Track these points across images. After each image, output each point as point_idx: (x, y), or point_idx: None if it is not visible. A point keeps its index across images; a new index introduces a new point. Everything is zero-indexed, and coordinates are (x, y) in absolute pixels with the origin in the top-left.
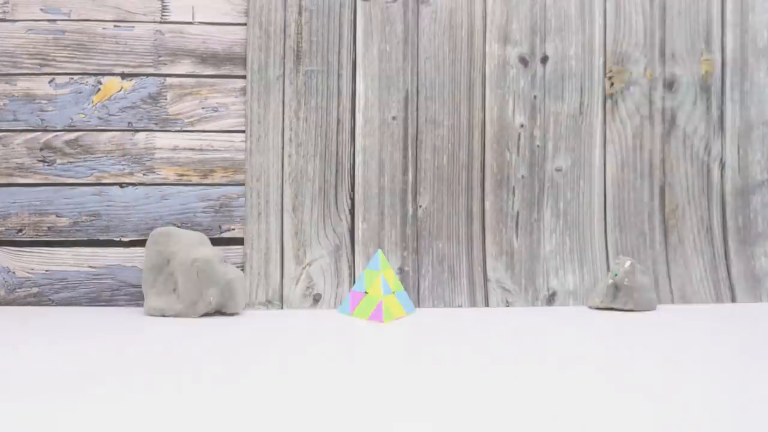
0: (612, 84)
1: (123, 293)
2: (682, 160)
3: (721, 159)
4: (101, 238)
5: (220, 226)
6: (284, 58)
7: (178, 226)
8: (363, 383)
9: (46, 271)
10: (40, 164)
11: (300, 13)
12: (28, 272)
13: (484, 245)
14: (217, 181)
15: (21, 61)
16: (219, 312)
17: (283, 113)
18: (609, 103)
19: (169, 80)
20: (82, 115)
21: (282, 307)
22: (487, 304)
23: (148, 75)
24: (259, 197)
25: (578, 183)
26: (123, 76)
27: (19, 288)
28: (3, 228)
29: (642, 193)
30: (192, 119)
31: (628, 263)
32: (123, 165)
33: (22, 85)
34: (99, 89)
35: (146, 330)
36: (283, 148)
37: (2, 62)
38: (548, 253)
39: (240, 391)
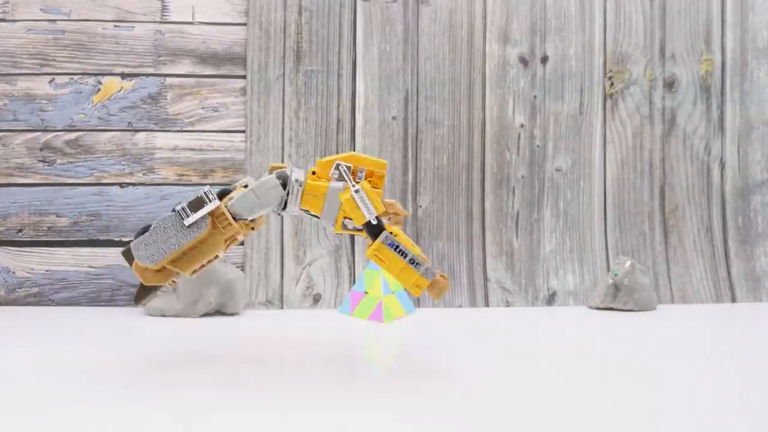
0: (612, 84)
1: (123, 293)
2: (682, 160)
3: (721, 159)
4: (101, 238)
5: None
6: (284, 58)
7: None
8: (363, 383)
9: (46, 271)
10: (40, 164)
11: (300, 13)
12: (28, 272)
13: (484, 245)
14: (217, 181)
15: (21, 61)
16: (219, 312)
17: (283, 113)
18: (609, 103)
19: (169, 80)
20: (82, 115)
21: (282, 307)
22: (487, 304)
23: (148, 75)
24: None
25: (578, 183)
26: (123, 76)
27: (19, 288)
28: (3, 228)
29: (642, 193)
30: (192, 119)
31: (628, 263)
32: (123, 165)
33: (22, 85)
34: (99, 89)
35: (146, 330)
36: (283, 148)
37: (2, 62)
38: (548, 253)
39: (239, 391)
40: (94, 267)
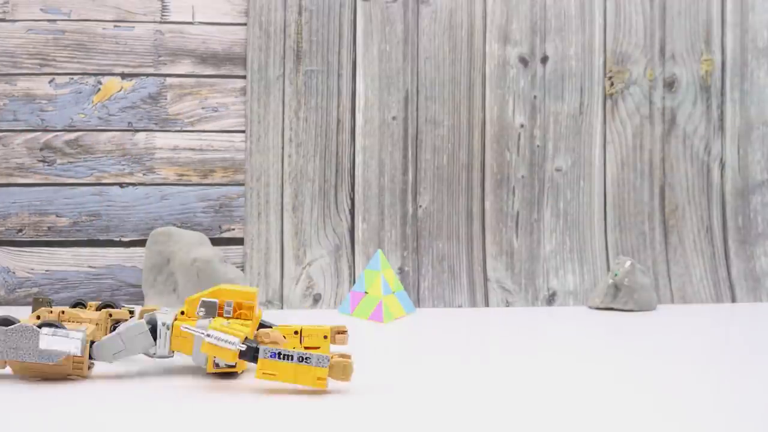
0: (612, 84)
1: (123, 293)
2: (682, 160)
3: (721, 159)
4: (101, 238)
5: (220, 226)
6: (284, 58)
7: (178, 226)
8: (363, 383)
9: (46, 271)
10: (40, 164)
11: (300, 13)
12: (28, 272)
13: (484, 245)
14: (217, 181)
15: (21, 61)
16: None
17: (283, 113)
18: (609, 103)
19: (169, 80)
20: (82, 115)
21: (282, 307)
22: (487, 304)
23: (148, 75)
24: (259, 197)
25: (578, 183)
26: (123, 76)
27: (19, 288)
28: (3, 228)
29: (642, 193)
30: (192, 119)
31: (628, 263)
32: (123, 165)
33: (22, 85)
34: (99, 89)
35: None
36: (283, 148)
37: (2, 62)
38: (548, 253)
39: (239, 391)
40: (94, 267)
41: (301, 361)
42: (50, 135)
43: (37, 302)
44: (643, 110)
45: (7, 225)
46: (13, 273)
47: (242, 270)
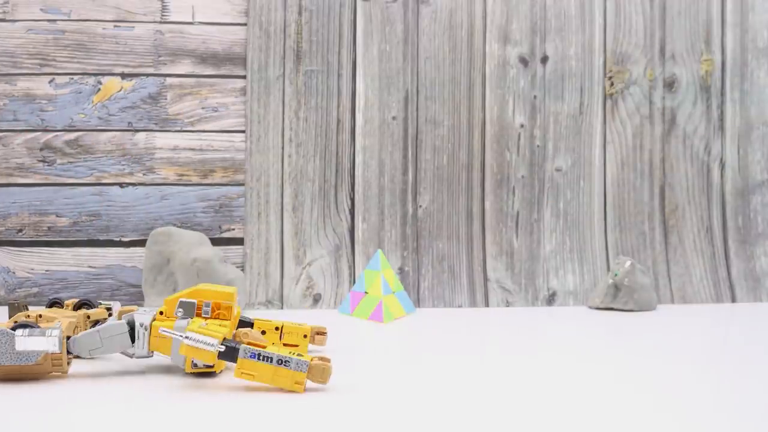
0: (612, 84)
1: (123, 293)
2: (682, 160)
3: (721, 159)
4: (101, 238)
5: (220, 226)
6: (284, 58)
7: (178, 226)
8: (362, 383)
9: (46, 271)
10: (40, 164)
11: (300, 13)
12: (28, 272)
13: (484, 245)
14: (217, 181)
15: (21, 61)
16: None
17: (283, 113)
18: (609, 103)
19: (169, 80)
20: (82, 115)
21: (282, 307)
22: (487, 304)
23: (148, 75)
24: (259, 197)
25: (578, 183)
26: (123, 76)
27: (19, 288)
28: (3, 228)
29: (642, 193)
30: (192, 119)
31: (628, 263)
32: (123, 165)
33: (22, 85)
34: (99, 89)
35: None
36: (283, 148)
37: (2, 62)
38: (548, 253)
39: (238, 391)
40: (94, 267)
41: (280, 364)
42: (50, 135)
43: (13, 308)
44: (643, 110)
45: (7, 225)
46: (13, 273)
47: (242, 270)
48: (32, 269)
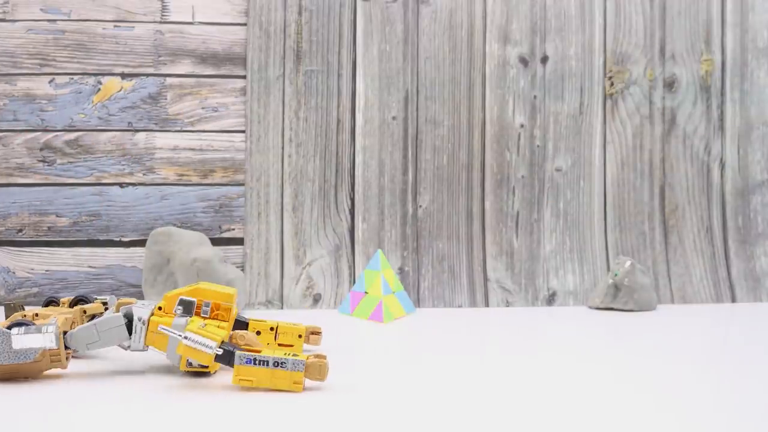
0: (612, 84)
1: (123, 293)
2: (682, 160)
3: (721, 159)
4: (101, 238)
5: (220, 226)
6: (284, 58)
7: (178, 226)
8: (362, 383)
9: (46, 271)
10: (40, 164)
11: (300, 13)
12: (28, 272)
13: (484, 245)
14: (217, 181)
15: (21, 61)
16: None
17: (283, 113)
18: (609, 103)
19: (169, 80)
20: (82, 115)
21: (282, 307)
22: (487, 304)
23: (148, 75)
24: (259, 197)
25: (578, 183)
26: (123, 76)
27: (19, 288)
28: (3, 228)
29: (642, 193)
30: (192, 119)
31: (628, 263)
32: (123, 165)
33: (22, 85)
34: (99, 89)
35: None
36: (283, 148)
37: (2, 62)
38: (548, 253)
39: (238, 391)
40: (94, 267)
41: (277, 366)
42: (50, 135)
43: (9, 308)
44: (643, 110)
45: (7, 225)
46: (13, 273)
47: (242, 270)
48: (32, 269)
